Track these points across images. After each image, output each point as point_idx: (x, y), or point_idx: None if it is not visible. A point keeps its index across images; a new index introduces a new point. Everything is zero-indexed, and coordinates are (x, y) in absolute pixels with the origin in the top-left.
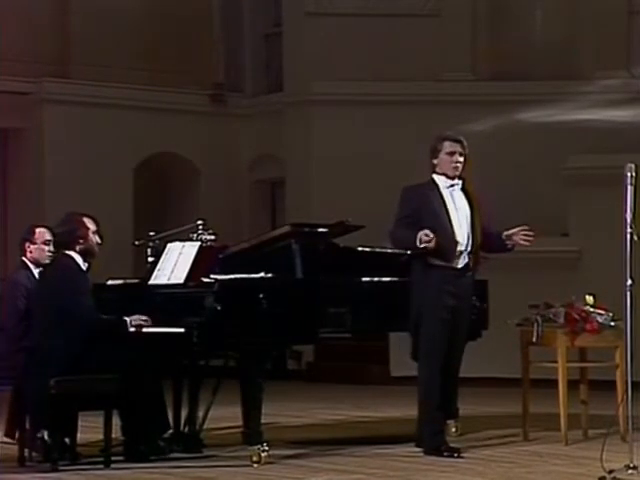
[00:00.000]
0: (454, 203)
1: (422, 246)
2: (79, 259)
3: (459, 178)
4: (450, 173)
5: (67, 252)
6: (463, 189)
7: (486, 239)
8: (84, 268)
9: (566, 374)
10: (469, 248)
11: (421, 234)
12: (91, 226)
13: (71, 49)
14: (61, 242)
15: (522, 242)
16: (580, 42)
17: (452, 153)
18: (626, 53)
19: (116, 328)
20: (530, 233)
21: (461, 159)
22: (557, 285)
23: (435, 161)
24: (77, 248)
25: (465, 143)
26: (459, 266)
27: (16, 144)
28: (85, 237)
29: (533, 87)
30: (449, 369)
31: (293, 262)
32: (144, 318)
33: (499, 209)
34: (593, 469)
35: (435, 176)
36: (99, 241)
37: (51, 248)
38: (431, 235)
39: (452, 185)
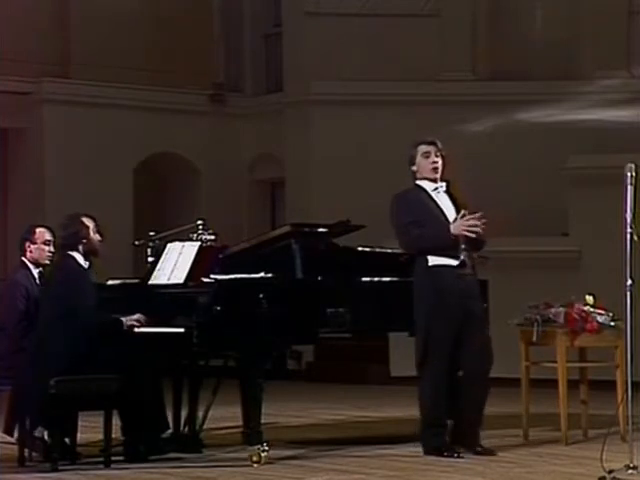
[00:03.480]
0: (443, 204)
1: (472, 235)
2: (81, 259)
3: (443, 180)
4: (430, 175)
5: (70, 253)
6: (447, 191)
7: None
8: (86, 267)
9: (566, 374)
10: (462, 246)
11: (462, 221)
12: (90, 224)
13: (71, 49)
14: (66, 244)
15: (467, 233)
16: (580, 42)
17: (427, 154)
18: (626, 53)
19: (112, 328)
20: (476, 223)
21: (438, 159)
22: (557, 285)
23: (414, 167)
24: (80, 249)
25: (440, 145)
26: (458, 263)
27: (16, 144)
28: (87, 237)
29: (533, 87)
30: (472, 371)
31: (293, 262)
32: (135, 318)
33: (499, 209)
34: (593, 469)
35: (419, 182)
36: (100, 238)
37: (51, 248)
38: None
39: (436, 188)
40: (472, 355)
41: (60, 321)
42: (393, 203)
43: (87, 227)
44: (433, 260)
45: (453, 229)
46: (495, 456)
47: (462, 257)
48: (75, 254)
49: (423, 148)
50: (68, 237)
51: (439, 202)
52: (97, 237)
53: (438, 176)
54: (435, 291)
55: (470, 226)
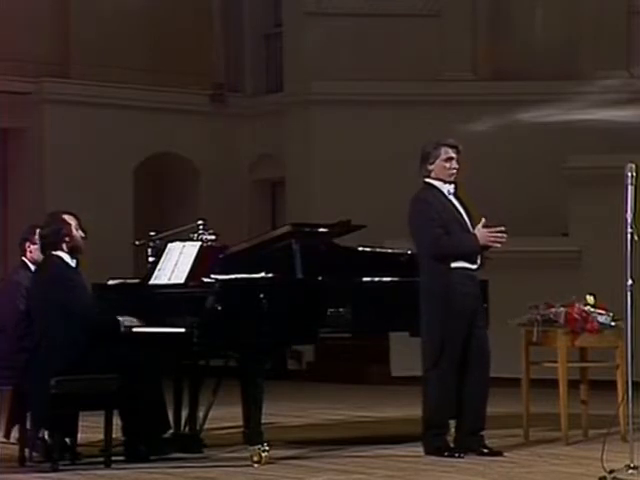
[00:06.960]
0: (459, 207)
1: (497, 245)
2: (67, 258)
3: (452, 182)
4: (447, 179)
5: (54, 253)
6: (455, 194)
7: None
8: (73, 265)
9: (566, 374)
10: None
11: (488, 232)
12: (72, 222)
13: (71, 49)
14: (49, 243)
15: (491, 244)
16: (580, 42)
17: (450, 159)
18: (626, 53)
19: (110, 328)
20: (503, 235)
21: (457, 166)
22: (557, 285)
23: (431, 167)
24: (64, 247)
25: (461, 148)
26: (476, 267)
27: (16, 144)
28: (70, 234)
29: (533, 87)
30: (474, 371)
31: (293, 262)
32: (132, 321)
33: (499, 209)
34: (593, 469)
35: (431, 181)
36: (83, 235)
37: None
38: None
39: (448, 190)
40: (475, 355)
41: (59, 321)
42: (414, 206)
43: (69, 224)
44: (455, 263)
45: (480, 239)
46: (503, 457)
47: (479, 261)
48: (60, 253)
49: (447, 152)
50: (50, 235)
51: (456, 204)
52: (80, 234)
53: (452, 180)
54: (456, 293)
55: (496, 238)
